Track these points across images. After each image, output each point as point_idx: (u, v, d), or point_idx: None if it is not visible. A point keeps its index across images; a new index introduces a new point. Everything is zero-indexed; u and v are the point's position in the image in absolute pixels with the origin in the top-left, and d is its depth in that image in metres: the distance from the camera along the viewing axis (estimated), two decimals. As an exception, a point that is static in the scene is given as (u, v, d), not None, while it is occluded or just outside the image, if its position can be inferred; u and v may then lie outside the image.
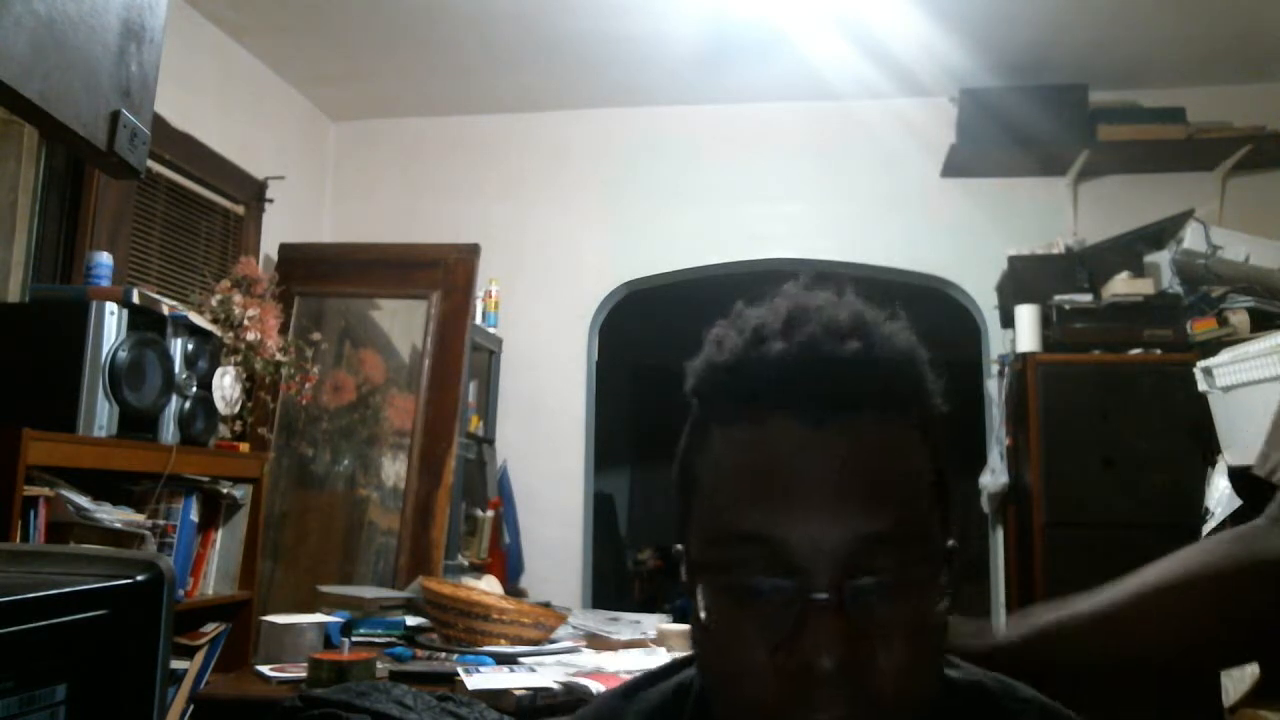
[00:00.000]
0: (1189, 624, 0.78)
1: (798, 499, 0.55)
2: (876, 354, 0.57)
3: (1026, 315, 3.19)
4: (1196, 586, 0.78)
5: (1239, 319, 2.97)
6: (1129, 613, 0.78)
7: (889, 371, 0.58)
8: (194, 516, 2.55)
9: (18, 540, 1.94)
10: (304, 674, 1.85)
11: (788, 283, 0.64)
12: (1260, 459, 0.84)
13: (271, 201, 3.64)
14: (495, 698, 1.75)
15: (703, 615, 0.58)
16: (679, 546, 0.63)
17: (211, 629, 2.62)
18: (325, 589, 2.76)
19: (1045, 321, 3.18)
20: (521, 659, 2.10)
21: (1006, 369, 3.36)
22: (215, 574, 2.66)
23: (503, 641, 2.19)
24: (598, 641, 2.42)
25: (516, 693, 1.80)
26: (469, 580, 2.78)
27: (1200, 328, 3.01)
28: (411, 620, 2.42)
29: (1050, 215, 3.65)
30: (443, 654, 2.14)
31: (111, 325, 2.25)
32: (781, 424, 0.56)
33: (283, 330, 3.18)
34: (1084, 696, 0.76)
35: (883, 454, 0.56)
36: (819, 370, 0.56)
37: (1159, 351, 3.05)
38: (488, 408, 3.83)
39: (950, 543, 0.60)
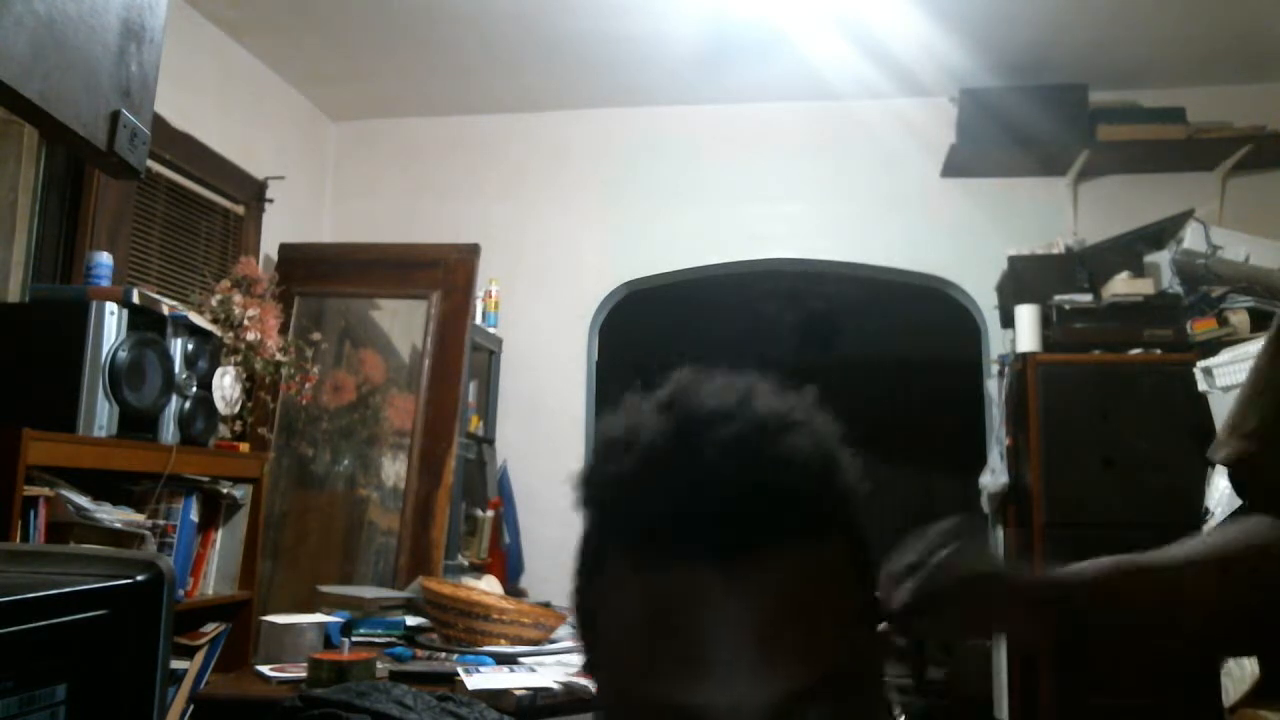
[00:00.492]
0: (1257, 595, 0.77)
1: (712, 659, 0.47)
2: (785, 476, 0.49)
3: (1026, 315, 3.19)
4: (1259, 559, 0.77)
5: (1239, 319, 2.97)
6: (1209, 572, 0.77)
7: (802, 492, 0.50)
8: (194, 516, 2.55)
9: (18, 540, 1.94)
10: (304, 674, 1.85)
11: (681, 370, 0.56)
12: (1214, 447, 0.84)
13: (271, 201, 3.64)
14: (495, 698, 1.75)
15: None
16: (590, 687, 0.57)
17: (211, 629, 2.62)
18: (325, 589, 2.77)
19: (1045, 321, 3.17)
20: (521, 659, 2.10)
21: (1006, 369, 3.35)
22: (215, 574, 2.66)
23: (503, 641, 2.19)
24: (598, 641, 2.42)
25: (516, 693, 1.80)
26: (469, 580, 2.78)
27: (1200, 328, 3.01)
28: (411, 620, 2.42)
29: (1050, 215, 3.65)
30: (443, 654, 2.14)
31: (111, 325, 2.25)
32: (684, 569, 0.48)
33: (283, 330, 3.18)
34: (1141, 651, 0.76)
35: (804, 592, 0.49)
36: (719, 504, 0.48)
37: (1159, 351, 3.05)
38: (488, 408, 3.83)
39: (879, 629, 0.55)
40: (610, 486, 0.53)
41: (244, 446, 2.95)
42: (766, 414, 0.52)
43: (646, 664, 0.49)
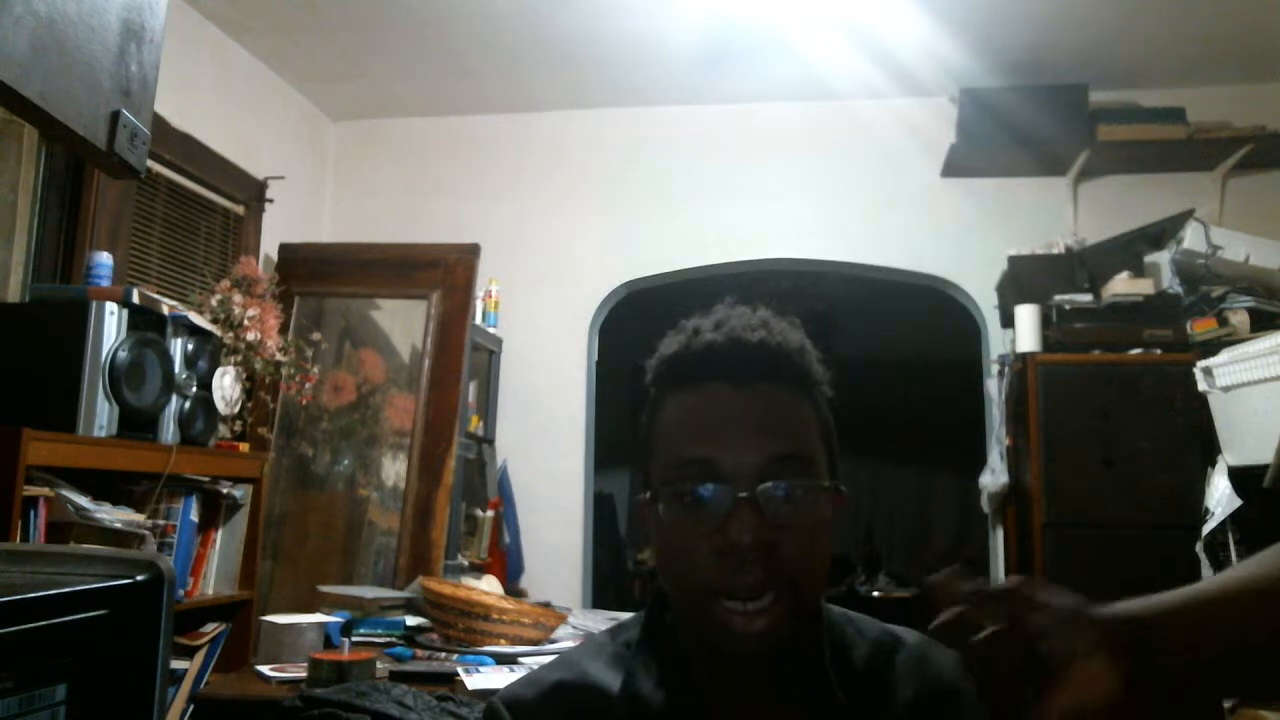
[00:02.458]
0: None
1: (725, 433, 0.79)
2: (774, 342, 0.82)
3: (1026, 315, 3.19)
4: None
5: (1239, 319, 2.97)
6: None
7: (783, 355, 0.82)
8: (194, 516, 2.55)
9: (18, 540, 1.94)
10: (304, 674, 1.85)
11: (718, 304, 0.87)
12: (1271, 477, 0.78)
13: (271, 201, 3.64)
14: (495, 698, 1.75)
15: (661, 517, 0.80)
16: (642, 484, 0.84)
17: (211, 629, 2.62)
18: (325, 589, 2.77)
19: (1045, 321, 3.17)
20: (521, 659, 2.10)
21: (1006, 369, 3.35)
22: (215, 574, 2.66)
23: (503, 641, 2.19)
24: (598, 641, 2.42)
25: (516, 693, 1.80)
26: (469, 580, 2.78)
27: (1200, 328, 3.01)
28: (411, 620, 2.42)
29: (1050, 215, 3.65)
30: (443, 654, 2.14)
31: (111, 325, 2.25)
32: (713, 386, 0.81)
33: (283, 330, 3.18)
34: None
35: (779, 405, 0.81)
36: (736, 352, 0.81)
37: (1159, 351, 3.05)
38: (488, 408, 3.83)
39: (835, 478, 0.83)
40: (670, 354, 0.85)
41: (244, 446, 2.94)
42: (771, 318, 0.85)
43: (689, 437, 0.80)
